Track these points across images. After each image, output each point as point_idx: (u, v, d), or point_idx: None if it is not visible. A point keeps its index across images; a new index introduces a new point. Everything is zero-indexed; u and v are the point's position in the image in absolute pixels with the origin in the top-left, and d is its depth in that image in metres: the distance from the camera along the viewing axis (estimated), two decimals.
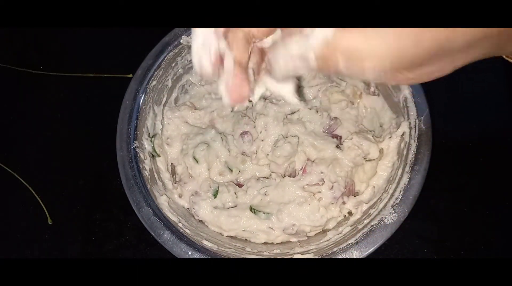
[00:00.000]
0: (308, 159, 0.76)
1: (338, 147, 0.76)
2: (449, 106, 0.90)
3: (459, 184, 0.84)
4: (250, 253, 0.69)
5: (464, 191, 0.83)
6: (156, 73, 0.79)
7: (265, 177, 0.78)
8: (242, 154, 0.80)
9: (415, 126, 0.71)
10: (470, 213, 0.81)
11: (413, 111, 0.72)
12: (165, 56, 0.79)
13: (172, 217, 0.70)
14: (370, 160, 0.76)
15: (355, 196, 0.75)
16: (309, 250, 0.68)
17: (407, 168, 0.68)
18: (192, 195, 0.76)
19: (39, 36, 1.05)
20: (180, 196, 0.77)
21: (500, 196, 0.82)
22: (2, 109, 0.97)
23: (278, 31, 0.44)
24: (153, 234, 0.67)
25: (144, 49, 0.80)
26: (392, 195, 0.68)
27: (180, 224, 0.69)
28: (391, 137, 0.75)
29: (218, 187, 0.76)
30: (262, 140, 0.79)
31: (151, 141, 0.78)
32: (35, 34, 1.05)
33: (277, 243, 0.74)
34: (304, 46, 0.38)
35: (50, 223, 0.84)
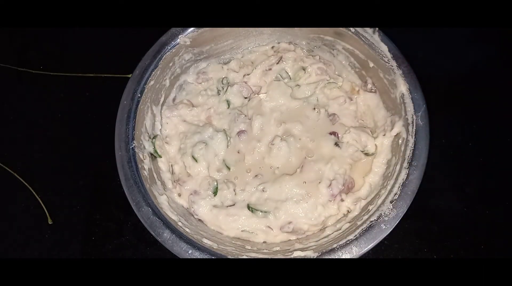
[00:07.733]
0: (306, 157, 0.76)
1: (336, 145, 0.76)
2: (449, 106, 0.90)
3: (459, 184, 0.84)
4: (250, 251, 0.69)
5: (464, 191, 0.83)
6: (153, 73, 0.78)
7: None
8: (238, 152, 0.80)
9: (413, 122, 0.71)
10: (470, 213, 0.81)
11: (410, 107, 0.72)
12: (163, 56, 0.79)
13: (172, 216, 0.70)
14: (367, 154, 0.77)
15: (354, 193, 0.75)
16: (308, 246, 0.68)
17: (405, 164, 0.68)
18: (191, 194, 0.76)
19: (39, 36, 1.05)
20: (179, 195, 0.77)
21: (500, 196, 0.82)
22: (2, 109, 0.97)
23: None
24: (153, 234, 0.66)
25: (145, 49, 0.80)
26: (390, 191, 0.68)
27: (180, 223, 0.69)
28: (385, 135, 0.76)
29: (217, 184, 0.76)
30: (259, 141, 0.79)
31: (152, 142, 0.78)
32: (35, 34, 1.05)
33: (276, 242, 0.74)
34: None
35: (50, 223, 0.84)
